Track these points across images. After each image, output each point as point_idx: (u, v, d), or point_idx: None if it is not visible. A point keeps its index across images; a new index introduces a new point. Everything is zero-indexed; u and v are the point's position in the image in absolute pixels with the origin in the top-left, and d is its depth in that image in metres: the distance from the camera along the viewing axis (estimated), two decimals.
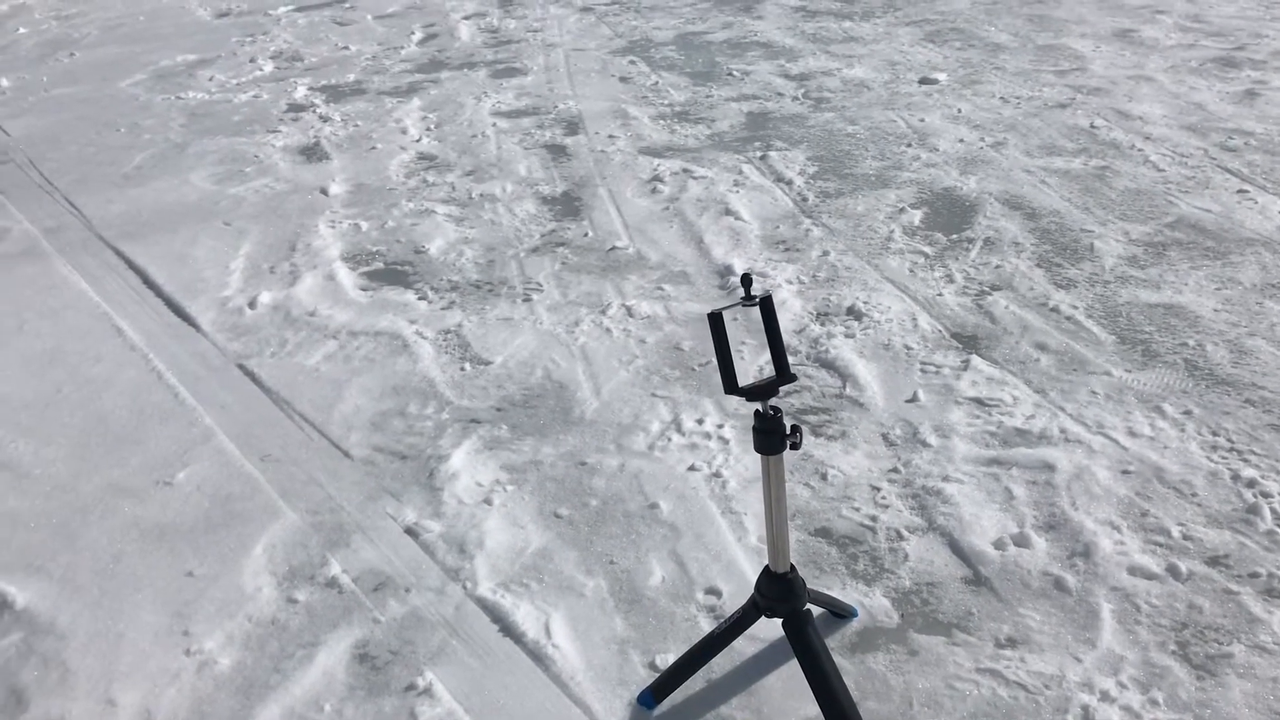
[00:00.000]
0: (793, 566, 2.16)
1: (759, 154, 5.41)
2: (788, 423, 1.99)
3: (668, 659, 2.37)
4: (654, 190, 5.06)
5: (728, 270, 4.18)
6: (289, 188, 5.44)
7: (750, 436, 2.02)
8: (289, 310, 4.13)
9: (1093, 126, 5.44)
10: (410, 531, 2.87)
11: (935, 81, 6.37)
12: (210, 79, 7.70)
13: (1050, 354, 3.47)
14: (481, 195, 5.15)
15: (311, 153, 5.97)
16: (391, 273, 4.42)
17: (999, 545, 2.66)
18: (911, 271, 4.09)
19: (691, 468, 3.04)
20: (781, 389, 1.99)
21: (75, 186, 5.67)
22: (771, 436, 1.98)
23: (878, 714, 2.23)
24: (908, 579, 2.59)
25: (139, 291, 4.40)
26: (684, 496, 2.92)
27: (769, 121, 5.91)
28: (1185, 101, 5.71)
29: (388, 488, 3.05)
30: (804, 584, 2.18)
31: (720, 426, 3.21)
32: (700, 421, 3.25)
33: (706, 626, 2.46)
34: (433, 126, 6.25)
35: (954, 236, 4.37)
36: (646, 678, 2.34)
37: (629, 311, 3.93)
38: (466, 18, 9.15)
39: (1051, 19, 7.61)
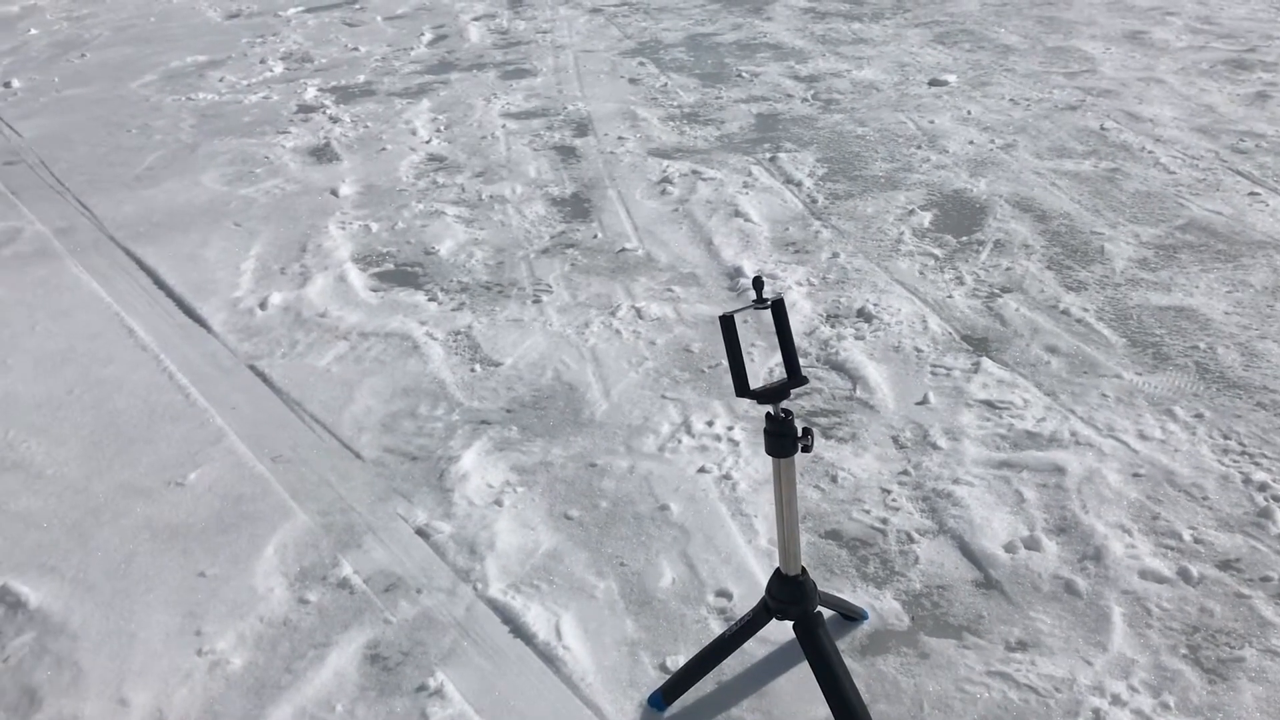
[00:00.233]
0: (804, 569, 2.16)
1: (768, 155, 5.41)
2: (799, 425, 1.99)
3: (678, 661, 2.38)
4: (663, 192, 5.07)
5: (737, 272, 4.18)
6: (299, 189, 5.46)
7: (760, 438, 2.02)
8: (300, 311, 4.14)
9: (1103, 128, 5.43)
10: (421, 532, 2.87)
11: (945, 83, 6.37)
12: (220, 80, 7.72)
13: (1061, 356, 3.47)
14: (491, 197, 5.16)
15: (322, 154, 5.98)
16: (402, 274, 4.43)
17: (1009, 548, 2.66)
18: (921, 274, 4.08)
19: (702, 470, 3.04)
20: (792, 391, 2.00)
21: (86, 187, 5.69)
22: (783, 439, 1.98)
23: (888, 716, 2.23)
24: (918, 582, 2.59)
25: (150, 292, 4.42)
26: (694, 498, 2.93)
27: (778, 123, 5.91)
28: (1196, 103, 5.69)
29: (398, 489, 3.06)
30: (815, 587, 2.18)
31: (730, 429, 3.21)
32: (710, 423, 3.25)
33: (717, 628, 2.46)
34: (442, 128, 6.26)
35: (964, 239, 4.36)
36: (657, 679, 2.34)
37: (639, 313, 3.94)
38: (476, 19, 9.16)
39: (1061, 21, 7.60)
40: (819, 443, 3.13)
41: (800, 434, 1.98)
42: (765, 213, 4.74)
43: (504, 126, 6.20)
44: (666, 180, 5.19)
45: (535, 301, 4.09)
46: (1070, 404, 3.21)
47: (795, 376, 1.99)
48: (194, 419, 3.47)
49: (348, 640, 2.52)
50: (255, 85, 7.53)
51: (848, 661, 2.25)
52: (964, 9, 8.16)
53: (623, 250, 4.48)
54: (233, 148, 6.17)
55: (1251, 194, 4.56)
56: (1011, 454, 3.01)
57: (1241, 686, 2.23)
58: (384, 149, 5.97)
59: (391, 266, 4.51)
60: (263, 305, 4.19)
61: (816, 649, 2.12)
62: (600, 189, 5.18)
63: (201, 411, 3.51)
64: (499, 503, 2.97)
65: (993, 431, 3.11)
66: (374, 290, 4.30)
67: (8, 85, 8.00)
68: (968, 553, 2.66)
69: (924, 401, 3.28)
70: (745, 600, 2.54)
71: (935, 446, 3.07)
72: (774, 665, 2.36)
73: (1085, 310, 3.73)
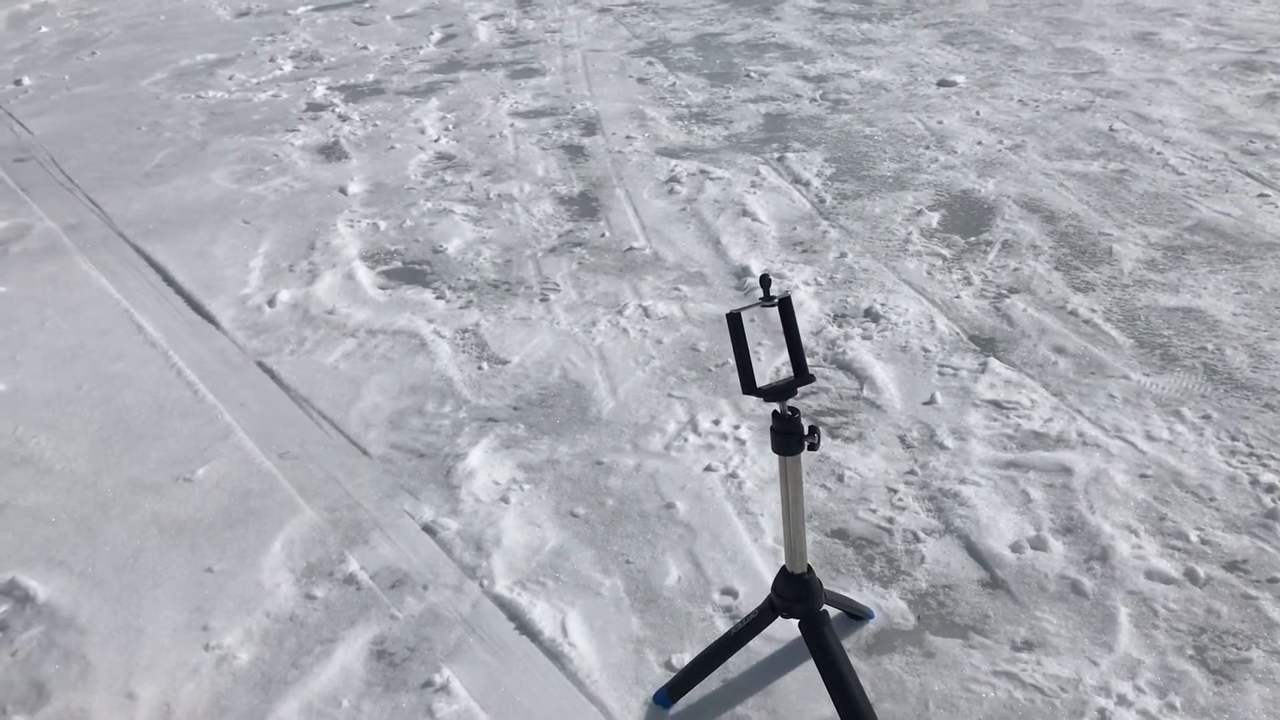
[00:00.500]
0: (810, 567, 2.16)
1: (776, 155, 5.41)
2: (805, 423, 1.99)
3: (684, 658, 2.38)
4: (671, 191, 5.07)
5: (745, 271, 4.19)
6: (308, 187, 5.47)
7: (767, 437, 2.03)
8: (308, 308, 4.15)
9: (1112, 129, 5.43)
10: (428, 529, 2.88)
11: (953, 84, 6.36)
12: (230, 78, 7.74)
13: (1068, 357, 3.46)
14: (499, 195, 5.17)
15: (330, 152, 5.99)
16: (410, 272, 4.44)
17: (1016, 548, 2.66)
18: (929, 274, 4.08)
19: (708, 468, 3.04)
20: (799, 390, 2.00)
21: (96, 184, 5.71)
22: (789, 437, 1.98)
23: (893, 715, 2.23)
24: (924, 581, 2.59)
25: (159, 289, 4.43)
26: (700, 497, 2.93)
27: (787, 123, 5.91)
28: (1205, 105, 5.68)
29: (405, 485, 3.07)
30: (821, 585, 2.18)
31: (736, 427, 3.22)
32: (717, 422, 3.25)
33: (722, 627, 2.46)
34: (451, 126, 6.27)
35: (972, 239, 4.36)
36: (662, 677, 2.34)
37: (646, 312, 3.94)
38: (485, 18, 9.17)
39: (1070, 21, 7.59)
40: (826, 442, 3.13)
41: (806, 432, 1.98)
42: (773, 212, 4.74)
43: (512, 125, 6.21)
44: (674, 179, 5.19)
45: (543, 300, 4.10)
46: (1078, 404, 3.21)
47: (802, 374, 1.99)
48: (202, 415, 3.48)
49: (354, 636, 2.53)
50: (265, 83, 7.55)
51: (853, 660, 2.25)
52: (973, 10, 8.15)
53: (630, 249, 4.49)
54: (242, 145, 6.19)
55: (1261, 195, 4.55)
56: (1018, 454, 3.01)
57: (1248, 688, 2.23)
58: (392, 147, 5.98)
59: (399, 264, 4.52)
60: (271, 302, 4.20)
61: (822, 647, 2.12)
62: (608, 188, 5.18)
63: (210, 408, 3.52)
64: (505, 500, 2.98)
65: (1000, 431, 3.11)
66: (382, 288, 4.31)
67: (19, 82, 8.03)
68: (974, 552, 2.66)
69: (931, 401, 3.28)
70: (751, 598, 2.54)
71: (942, 446, 3.07)
72: (779, 663, 2.36)
73: (1093, 311, 3.73)
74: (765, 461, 3.04)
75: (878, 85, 6.46)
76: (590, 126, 6.10)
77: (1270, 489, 2.79)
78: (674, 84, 6.82)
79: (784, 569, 2.17)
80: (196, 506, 3.04)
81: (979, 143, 5.39)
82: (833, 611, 2.34)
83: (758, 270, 4.17)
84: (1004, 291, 3.91)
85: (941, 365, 3.48)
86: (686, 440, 3.18)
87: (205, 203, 5.35)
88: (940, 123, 5.71)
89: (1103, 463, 2.94)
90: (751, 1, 8.99)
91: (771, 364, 3.53)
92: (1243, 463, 2.90)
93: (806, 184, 5.02)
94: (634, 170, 5.38)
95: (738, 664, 2.35)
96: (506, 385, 3.55)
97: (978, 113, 5.82)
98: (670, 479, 3.01)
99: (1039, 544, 2.66)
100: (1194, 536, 2.65)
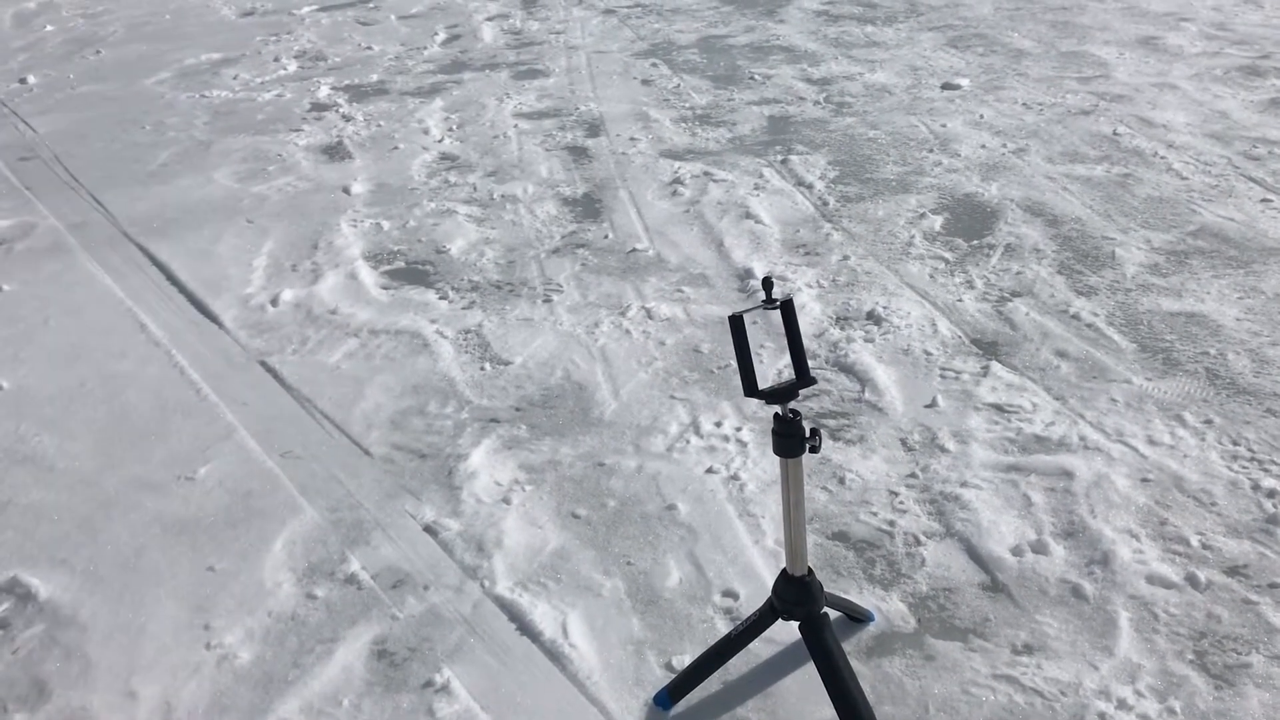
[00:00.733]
0: (810, 570, 2.16)
1: (780, 158, 5.42)
2: (807, 426, 1.99)
3: (684, 660, 2.38)
4: (674, 193, 5.07)
5: (748, 273, 4.19)
6: (312, 186, 5.48)
7: (769, 439, 2.03)
8: (311, 308, 4.16)
9: (1115, 134, 5.43)
10: (429, 529, 2.88)
11: (957, 87, 6.36)
12: (234, 77, 7.75)
13: (1070, 361, 3.47)
14: (503, 196, 5.17)
15: (334, 152, 6.00)
16: (413, 272, 4.44)
17: (1017, 552, 2.66)
18: (932, 277, 4.08)
19: (709, 470, 3.05)
20: (801, 392, 2.00)
21: (100, 183, 5.72)
22: (791, 439, 1.99)
23: (893, 718, 2.23)
24: (925, 584, 2.59)
25: (162, 288, 4.44)
26: (701, 498, 2.93)
27: (790, 125, 5.91)
28: (1209, 109, 5.68)
29: (407, 486, 3.07)
30: (821, 587, 2.18)
31: (738, 429, 3.22)
32: (719, 424, 3.25)
33: (723, 628, 2.47)
34: (455, 127, 6.28)
35: (975, 242, 4.36)
36: (663, 678, 2.35)
37: (648, 313, 3.95)
38: (489, 19, 9.18)
39: (1075, 25, 7.59)
40: (827, 444, 3.13)
41: (808, 434, 1.98)
42: (776, 215, 4.74)
43: (516, 126, 6.21)
44: (678, 181, 5.19)
45: (545, 301, 4.10)
46: (1079, 408, 3.21)
47: (804, 377, 1.99)
48: (205, 414, 3.49)
49: (355, 636, 2.54)
50: (269, 83, 7.56)
51: (853, 663, 2.26)
52: (977, 13, 8.15)
53: (633, 251, 4.49)
54: (246, 145, 6.20)
55: (1264, 201, 4.55)
56: (1020, 458, 3.01)
57: (1248, 693, 2.23)
58: (396, 148, 5.99)
59: (402, 264, 4.52)
60: (274, 302, 4.21)
61: (822, 650, 2.12)
62: (611, 189, 5.19)
63: (212, 407, 3.53)
64: (507, 500, 2.98)
65: (1001, 435, 3.11)
66: (385, 288, 4.31)
67: (23, 81, 8.04)
68: (975, 556, 2.66)
69: (933, 404, 3.29)
70: (752, 600, 2.54)
71: (943, 449, 3.07)
72: (780, 666, 2.36)
73: (1095, 315, 3.73)
74: (767, 463, 3.04)
75: (882, 88, 6.46)
76: (594, 128, 6.11)
77: (1271, 494, 2.79)
78: (678, 86, 6.83)
79: (785, 571, 2.17)
80: (198, 505, 3.04)
81: (982, 146, 5.39)
82: (833, 614, 2.34)
83: (760, 272, 4.18)
84: (1006, 295, 3.92)
85: (943, 368, 3.48)
86: (688, 442, 3.18)
87: (209, 202, 5.35)
88: (944, 126, 5.71)
89: (1104, 467, 2.94)
90: (756, 4, 8.99)
91: (773, 366, 3.53)
92: (1244, 468, 2.90)
93: (810, 186, 5.03)
94: (637, 172, 5.38)
95: (738, 666, 2.35)
96: (509, 386, 3.55)
97: (981, 116, 5.83)
98: (672, 480, 3.01)
99: (1040, 548, 2.66)
100: (1195, 541, 2.65)
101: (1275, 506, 2.74)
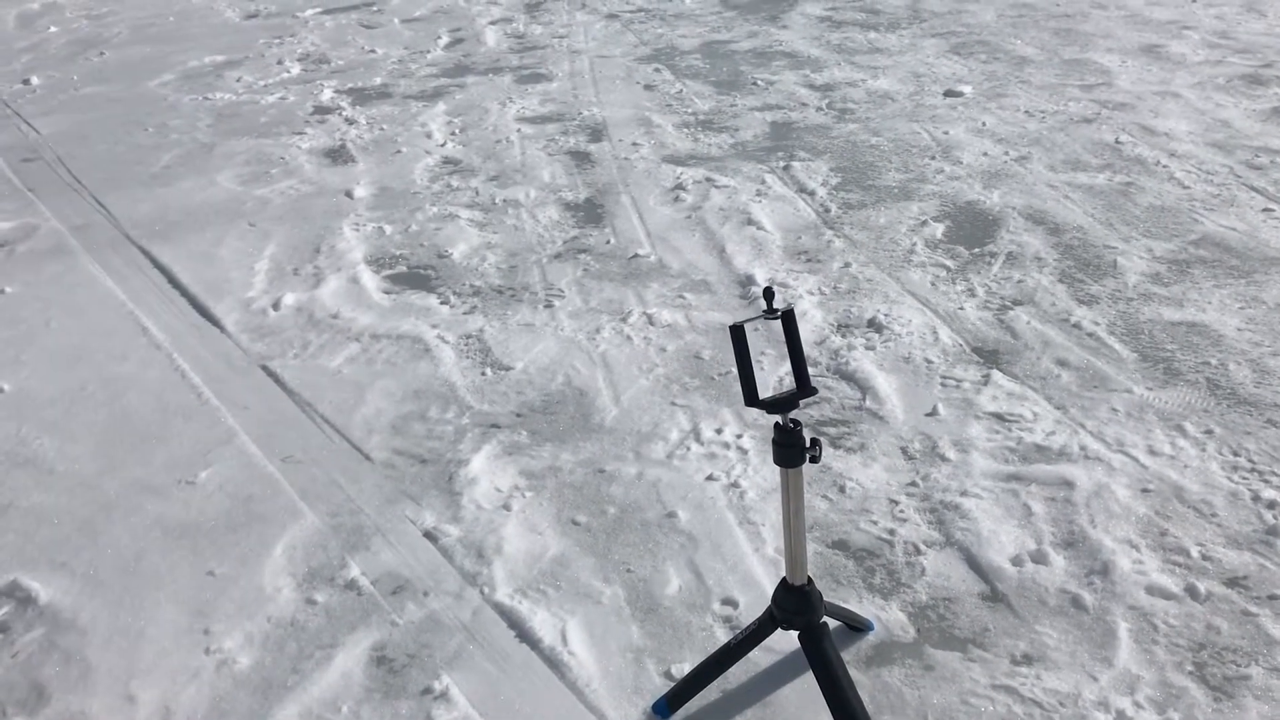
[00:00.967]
0: (810, 579, 2.16)
1: (782, 164, 5.42)
2: (807, 436, 2.00)
3: (683, 668, 2.38)
4: (676, 199, 5.08)
5: (749, 280, 4.19)
6: (314, 190, 5.48)
7: (769, 447, 2.03)
8: (312, 312, 4.16)
9: (1118, 142, 5.43)
10: (429, 535, 2.88)
11: (960, 94, 6.36)
12: (238, 80, 7.76)
13: (1071, 370, 3.47)
14: (505, 201, 5.18)
15: (337, 155, 6.01)
16: (414, 276, 4.45)
17: (1016, 561, 2.66)
18: (933, 285, 4.09)
19: (710, 477, 3.05)
20: (801, 402, 2.00)
21: (103, 185, 5.73)
22: (791, 449, 1.99)
23: None
24: (924, 593, 2.59)
25: (164, 291, 4.44)
26: (702, 506, 2.93)
27: (792, 132, 5.92)
28: (1211, 118, 5.68)
29: (407, 491, 3.07)
30: (821, 597, 2.18)
31: (739, 436, 3.22)
32: (719, 431, 3.25)
33: (722, 637, 2.47)
34: (457, 131, 6.28)
35: (976, 250, 4.36)
36: (662, 686, 2.35)
37: (650, 319, 3.95)
38: (492, 23, 9.19)
39: (1078, 33, 7.59)
40: (827, 452, 3.13)
41: (808, 444, 1.99)
42: (778, 221, 4.75)
43: (519, 131, 6.22)
44: (680, 187, 5.20)
45: (547, 306, 4.10)
46: (1080, 418, 3.21)
47: (804, 387, 1.99)
48: (206, 418, 3.49)
49: (354, 642, 2.54)
50: (272, 86, 7.57)
51: (853, 672, 2.25)
52: (980, 20, 8.16)
53: (635, 256, 4.49)
54: (249, 148, 6.21)
55: (1266, 210, 4.55)
56: (1020, 467, 3.01)
57: (1247, 705, 2.23)
58: (399, 151, 5.99)
59: (404, 269, 4.53)
60: (276, 306, 4.21)
61: (822, 659, 2.12)
62: (614, 195, 5.19)
63: (213, 411, 3.53)
64: (507, 507, 2.98)
65: (1002, 444, 3.11)
66: (386, 292, 4.32)
67: (27, 82, 8.06)
68: (974, 565, 2.66)
69: (933, 413, 3.29)
70: (751, 609, 2.54)
71: (944, 458, 3.07)
72: (779, 675, 2.36)
73: (1097, 324, 3.73)
74: (767, 471, 3.04)
75: (884, 95, 6.47)
76: (597, 133, 6.11)
77: (1271, 505, 2.78)
78: (681, 91, 6.83)
79: (784, 580, 2.17)
80: (199, 510, 3.04)
81: (985, 154, 5.39)
82: (832, 623, 2.34)
83: (762, 279, 4.18)
84: (1008, 303, 3.92)
85: (944, 377, 3.48)
86: (689, 449, 3.18)
87: (211, 205, 5.36)
88: (946, 133, 5.72)
89: (1104, 477, 2.94)
90: (759, 9, 9.00)
91: (774, 374, 3.53)
92: (1244, 478, 2.90)
93: (812, 193, 5.03)
94: (640, 177, 5.39)
95: (737, 675, 2.35)
96: (510, 391, 3.55)
97: (984, 123, 5.83)
98: (672, 488, 3.01)
99: (1040, 558, 2.66)
100: (1195, 552, 2.65)
101: (1275, 518, 2.74)
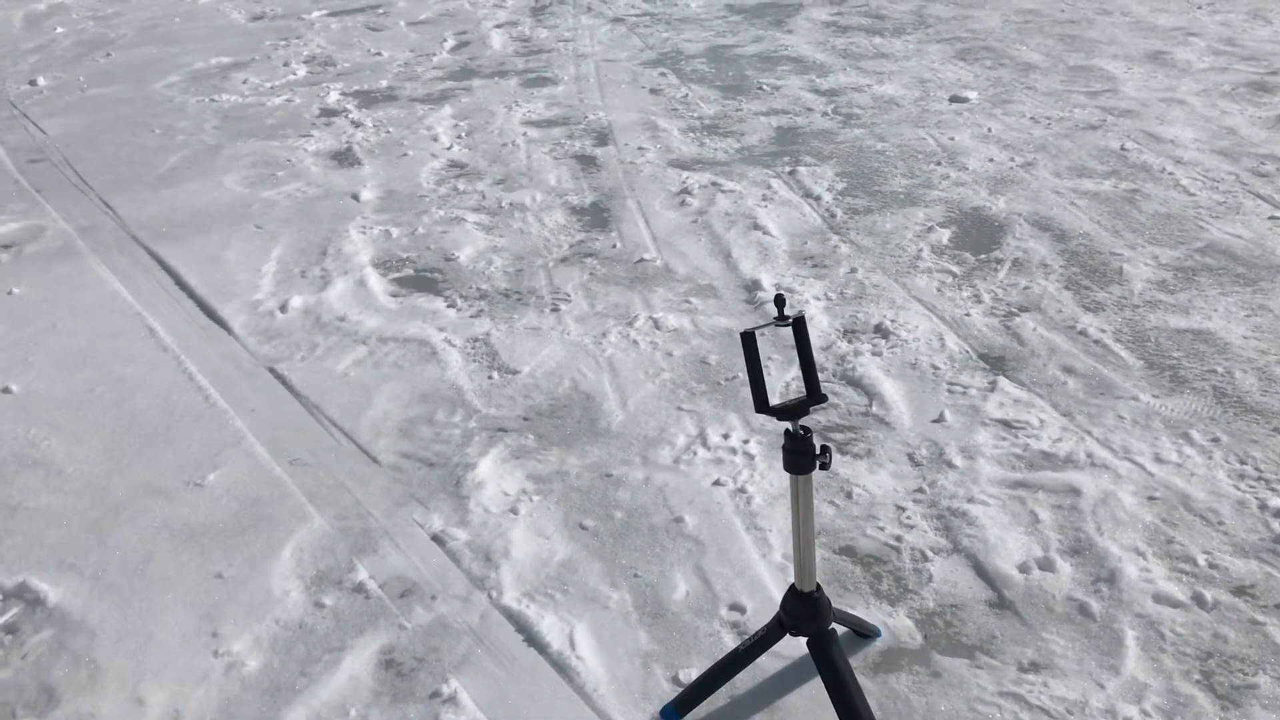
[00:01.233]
0: (819, 585, 2.17)
1: (788, 169, 5.43)
2: (817, 443, 2.00)
3: (691, 674, 2.39)
4: (682, 203, 5.08)
5: (755, 285, 4.19)
6: (321, 192, 5.49)
7: (776, 452, 2.04)
8: (319, 315, 4.17)
9: (1123, 149, 5.43)
10: (437, 539, 2.89)
11: (965, 100, 6.37)
12: (244, 82, 7.77)
13: (1078, 377, 3.47)
14: (511, 204, 5.19)
15: (343, 158, 6.02)
16: (421, 280, 4.45)
17: (1023, 569, 2.66)
18: (939, 291, 4.09)
19: (716, 482, 3.05)
20: (810, 408, 2.01)
21: (110, 186, 5.74)
22: (801, 456, 1.99)
23: None
24: (931, 600, 2.60)
25: (171, 293, 4.45)
26: (709, 511, 2.94)
27: (798, 136, 5.92)
28: (1217, 125, 5.69)
29: (415, 494, 3.08)
30: (829, 603, 2.19)
31: (746, 442, 3.22)
32: (726, 436, 3.26)
33: (730, 642, 2.47)
34: (464, 134, 6.30)
35: (982, 256, 4.37)
36: (669, 692, 2.35)
37: (656, 324, 3.95)
38: (498, 26, 9.21)
39: (1083, 40, 7.60)
40: (834, 458, 3.13)
41: (818, 451, 1.99)
42: (784, 226, 4.75)
43: (525, 134, 6.23)
44: (686, 191, 5.21)
45: (553, 310, 4.11)
46: (1086, 425, 3.21)
47: (815, 394, 2.00)
48: (213, 420, 3.50)
49: (363, 645, 2.54)
50: (278, 88, 7.58)
51: (860, 679, 2.26)
52: (986, 26, 8.17)
53: (641, 261, 4.50)
54: (255, 150, 6.22)
55: (1272, 218, 4.55)
56: (1027, 474, 3.01)
57: (1255, 714, 2.23)
58: (405, 154, 6.00)
59: (411, 272, 4.53)
60: (283, 308, 4.22)
61: (830, 665, 2.13)
62: (620, 199, 5.20)
63: (221, 413, 3.54)
64: (514, 511, 2.99)
65: (1008, 451, 3.12)
66: (393, 295, 4.32)
67: (34, 83, 8.07)
68: (981, 572, 2.66)
69: (940, 419, 3.29)
70: (759, 614, 2.55)
71: (951, 465, 3.07)
72: (787, 681, 2.37)
73: (1103, 331, 3.74)
74: (774, 477, 3.05)
75: (890, 100, 6.48)
76: (602, 137, 6.12)
77: (1279, 514, 2.79)
78: (686, 95, 6.84)
79: (793, 587, 2.18)
80: (207, 512, 3.05)
81: (990, 160, 5.40)
82: (840, 629, 2.35)
83: (768, 284, 4.18)
84: (1014, 310, 3.92)
85: (951, 383, 3.48)
86: (695, 454, 3.19)
87: (218, 207, 5.37)
88: (952, 139, 5.72)
89: (1111, 484, 2.94)
90: (765, 14, 9.01)
91: (781, 379, 3.54)
92: (1251, 487, 2.91)
93: (818, 198, 5.04)
94: (646, 181, 5.40)
95: (745, 681, 2.36)
96: (516, 395, 3.56)
97: (989, 129, 5.84)
98: (679, 493, 3.02)
99: (1047, 565, 2.66)
100: (1202, 560, 2.65)
101: None
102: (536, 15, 9.57)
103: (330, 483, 3.15)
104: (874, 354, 3.67)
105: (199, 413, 3.55)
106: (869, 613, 2.56)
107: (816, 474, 2.05)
